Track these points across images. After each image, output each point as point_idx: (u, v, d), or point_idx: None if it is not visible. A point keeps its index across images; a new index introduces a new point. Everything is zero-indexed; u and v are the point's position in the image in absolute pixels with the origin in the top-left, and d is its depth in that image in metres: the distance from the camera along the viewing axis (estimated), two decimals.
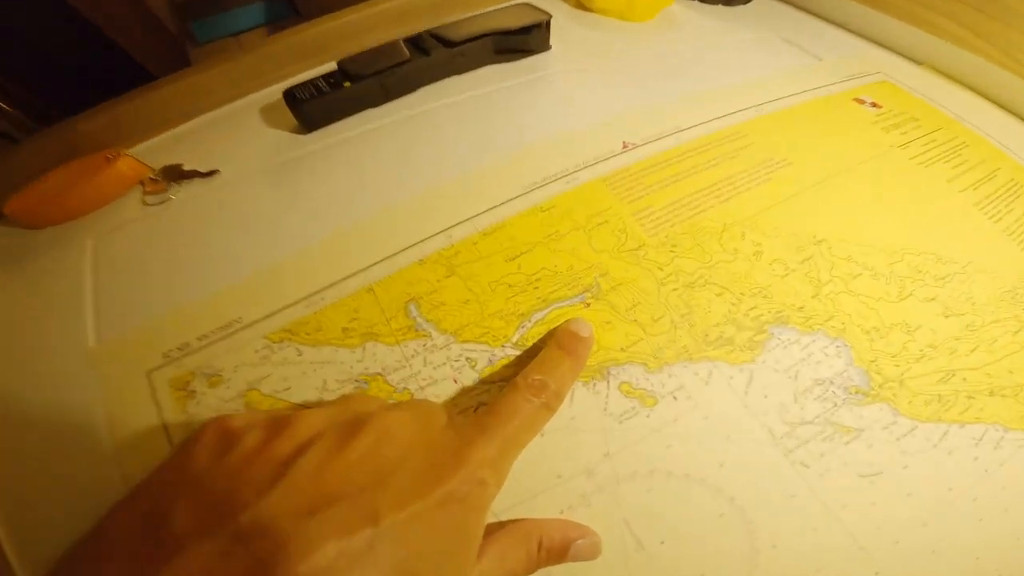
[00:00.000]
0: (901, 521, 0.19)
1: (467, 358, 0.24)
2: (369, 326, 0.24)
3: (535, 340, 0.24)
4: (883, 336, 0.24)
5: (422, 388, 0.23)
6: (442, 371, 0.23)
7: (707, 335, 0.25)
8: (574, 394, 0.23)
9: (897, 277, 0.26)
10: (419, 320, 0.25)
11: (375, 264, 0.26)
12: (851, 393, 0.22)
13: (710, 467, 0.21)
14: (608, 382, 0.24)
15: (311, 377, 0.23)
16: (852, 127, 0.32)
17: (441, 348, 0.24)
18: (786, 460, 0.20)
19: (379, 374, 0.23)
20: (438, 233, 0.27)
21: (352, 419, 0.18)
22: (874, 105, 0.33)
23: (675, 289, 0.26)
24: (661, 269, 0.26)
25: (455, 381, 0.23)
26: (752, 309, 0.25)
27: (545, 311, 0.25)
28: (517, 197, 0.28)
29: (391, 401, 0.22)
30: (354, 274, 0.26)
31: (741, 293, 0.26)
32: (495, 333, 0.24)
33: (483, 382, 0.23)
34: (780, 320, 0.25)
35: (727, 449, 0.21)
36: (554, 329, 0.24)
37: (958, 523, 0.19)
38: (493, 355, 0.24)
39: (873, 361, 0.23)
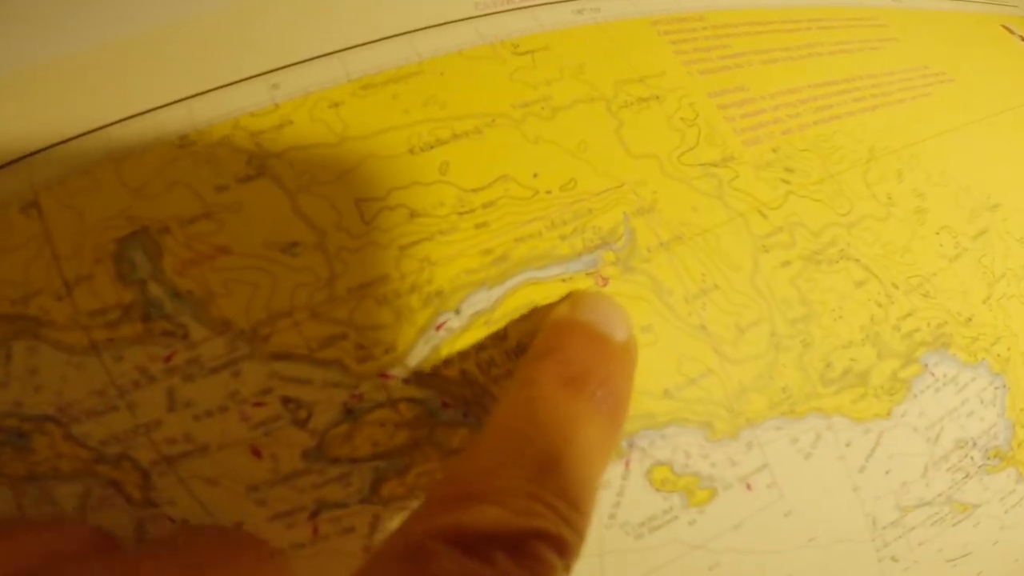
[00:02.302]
0: None
1: (284, 397, 0.10)
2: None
3: (462, 368, 0.10)
4: None
5: (162, 470, 0.10)
6: (217, 424, 0.10)
7: (828, 365, 0.12)
8: None
9: None
10: (151, 285, 0.10)
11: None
12: (988, 458, 0.15)
13: None
14: (628, 464, 0.11)
15: None
16: (1004, 58, 0.21)
17: (218, 366, 0.10)
18: (874, 557, 0.14)
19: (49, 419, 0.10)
20: (245, 79, 0.11)
21: None
22: (1022, 39, 0.22)
23: (786, 263, 0.12)
24: (764, 216, 0.12)
25: (257, 452, 0.10)
26: (907, 317, 0.13)
27: (499, 289, 0.10)
28: (461, 20, 0.12)
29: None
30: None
31: (894, 284, 0.13)
32: (363, 339, 0.10)
33: (325, 459, 0.10)
34: (941, 340, 0.14)
35: (803, 557, 0.13)
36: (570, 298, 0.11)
37: None
38: (355, 394, 0.10)
39: (1022, 409, 0.15)
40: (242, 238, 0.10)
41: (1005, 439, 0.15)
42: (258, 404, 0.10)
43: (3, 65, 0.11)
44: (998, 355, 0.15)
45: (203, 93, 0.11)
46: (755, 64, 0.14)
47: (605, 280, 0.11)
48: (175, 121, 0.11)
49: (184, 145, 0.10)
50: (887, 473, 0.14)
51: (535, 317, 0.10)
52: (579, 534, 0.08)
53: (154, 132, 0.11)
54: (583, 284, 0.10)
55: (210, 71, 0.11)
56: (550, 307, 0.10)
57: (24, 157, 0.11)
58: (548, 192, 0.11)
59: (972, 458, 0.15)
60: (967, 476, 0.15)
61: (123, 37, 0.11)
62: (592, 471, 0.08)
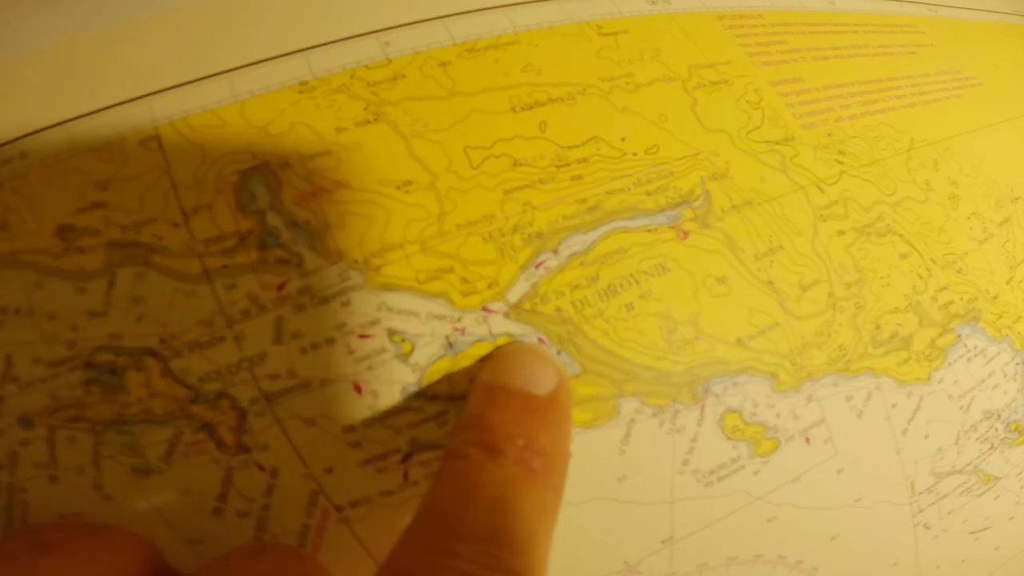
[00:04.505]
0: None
1: (390, 330, 0.10)
2: (143, 217, 0.10)
3: (558, 305, 0.10)
4: None
5: (260, 409, 0.09)
6: (323, 358, 0.10)
7: (878, 328, 0.13)
8: (630, 432, 0.11)
9: None
10: (269, 216, 0.10)
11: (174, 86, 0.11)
12: (1010, 431, 0.16)
13: (818, 543, 0.13)
14: (703, 408, 0.11)
15: None
16: None
17: (329, 295, 0.10)
18: (910, 523, 0.15)
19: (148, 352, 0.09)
20: (359, 35, 0.12)
21: None
22: None
23: (842, 232, 0.13)
24: (822, 190, 0.13)
25: (358, 389, 0.10)
26: (943, 290, 0.14)
27: (593, 233, 0.11)
28: (550, 0, 0.14)
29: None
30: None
31: (932, 260, 0.14)
32: (468, 273, 0.10)
33: (424, 395, 0.10)
34: (971, 314, 0.15)
35: (850, 516, 0.13)
36: (490, 358, 0.11)
37: None
38: (457, 327, 0.10)
39: None
40: (359, 174, 0.11)
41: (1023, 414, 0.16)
42: (364, 336, 0.10)
43: (125, 8, 0.12)
44: (1019, 333, 0.16)
45: (319, 46, 0.12)
46: (809, 60, 0.15)
47: (686, 233, 0.12)
48: (294, 70, 0.11)
49: (304, 91, 0.11)
50: (926, 437, 0.14)
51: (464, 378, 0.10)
52: None
53: (275, 79, 0.11)
54: (667, 235, 0.11)
55: (325, 26, 0.12)
56: (477, 367, 0.10)
57: (145, 96, 0.11)
58: (634, 154, 0.12)
59: (996, 430, 0.16)
60: (992, 447, 0.16)
61: None
62: (533, 534, 0.08)
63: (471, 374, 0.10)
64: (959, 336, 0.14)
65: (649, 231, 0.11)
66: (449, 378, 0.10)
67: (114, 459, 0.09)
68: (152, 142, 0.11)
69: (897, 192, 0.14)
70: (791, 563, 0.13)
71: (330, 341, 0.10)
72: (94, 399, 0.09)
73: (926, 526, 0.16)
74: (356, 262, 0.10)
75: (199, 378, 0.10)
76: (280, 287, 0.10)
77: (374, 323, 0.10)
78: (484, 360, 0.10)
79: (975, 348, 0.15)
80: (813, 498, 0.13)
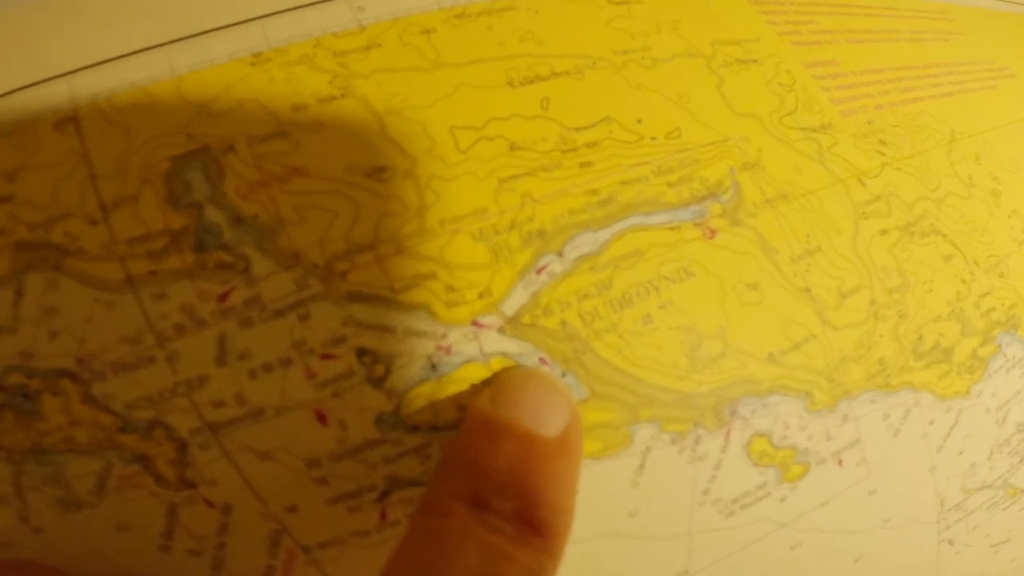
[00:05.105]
0: None
1: (359, 349, 0.08)
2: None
3: (563, 318, 0.09)
4: None
5: (204, 441, 0.08)
6: (277, 382, 0.08)
7: (920, 338, 0.12)
8: (645, 462, 0.09)
9: None
10: (209, 210, 0.08)
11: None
12: None
13: (840, 565, 0.12)
14: (728, 434, 0.10)
15: None
16: None
17: (283, 307, 0.08)
18: (935, 540, 0.13)
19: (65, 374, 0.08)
20: (326, 0, 0.10)
21: None
22: None
23: (884, 232, 0.11)
24: (863, 184, 0.12)
25: (322, 418, 0.08)
26: (985, 296, 0.13)
27: (605, 232, 0.09)
28: None
29: None
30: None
31: (975, 262, 0.13)
32: (454, 280, 0.09)
33: (402, 426, 0.08)
34: (1012, 322, 0.14)
35: (877, 538, 0.12)
36: (492, 384, 0.09)
37: None
38: (442, 345, 0.09)
39: None
40: (321, 160, 0.09)
41: None
42: (328, 357, 0.08)
43: None
44: None
45: (278, 13, 0.10)
46: (842, 42, 0.14)
47: (713, 232, 0.10)
48: (247, 39, 0.10)
49: (257, 63, 0.09)
50: (960, 453, 0.13)
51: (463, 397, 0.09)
52: None
53: (223, 51, 0.09)
54: (691, 234, 0.10)
55: None
56: (474, 389, 0.09)
57: (66, 74, 0.09)
58: (653, 139, 0.10)
59: None
60: (1022, 460, 0.15)
61: None
62: None
63: (460, 400, 0.09)
64: (999, 346, 0.13)
65: (671, 229, 0.09)
66: (432, 406, 0.09)
67: (38, 491, 0.08)
68: (69, 125, 0.09)
69: (941, 187, 0.13)
70: None
71: (286, 362, 0.08)
72: (8, 425, 0.08)
73: (950, 542, 0.15)
74: (316, 266, 0.08)
75: (126, 404, 0.08)
76: (222, 297, 0.08)
77: (339, 341, 0.08)
78: (483, 385, 0.09)
79: (1014, 358, 0.13)
80: (841, 522, 0.11)
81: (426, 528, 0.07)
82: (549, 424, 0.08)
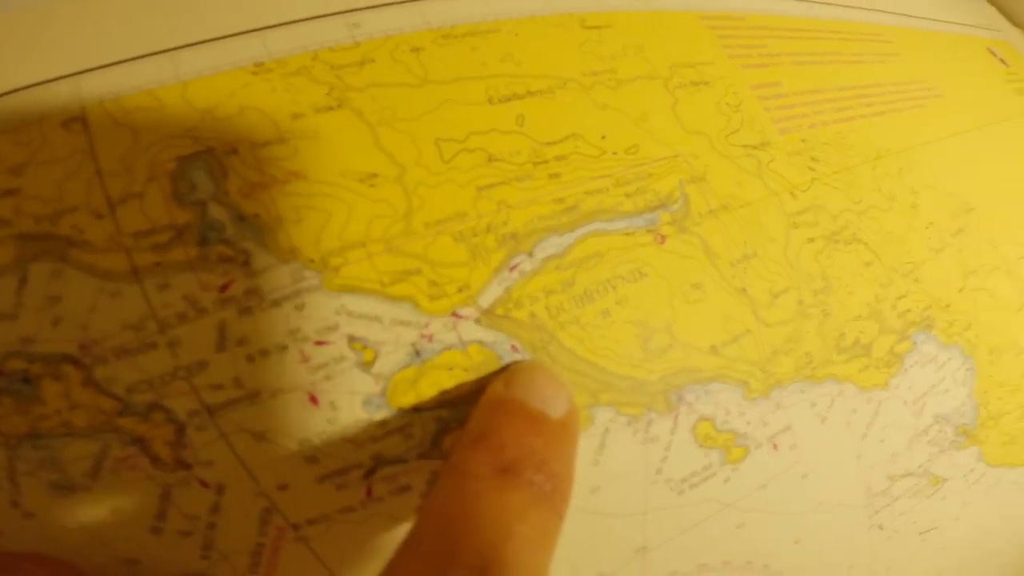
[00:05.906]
0: None
1: (350, 336, 0.09)
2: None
3: (532, 311, 0.10)
4: (999, 358, 0.17)
5: (201, 423, 0.09)
6: (274, 367, 0.09)
7: (842, 335, 0.13)
8: (604, 442, 0.11)
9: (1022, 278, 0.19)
10: (212, 207, 0.09)
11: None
12: (958, 434, 0.17)
13: (782, 547, 0.13)
14: (676, 418, 0.11)
15: None
16: (986, 78, 0.25)
17: (280, 297, 0.09)
18: (866, 524, 0.15)
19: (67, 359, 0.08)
20: (324, 15, 0.11)
21: None
22: (1003, 62, 0.25)
23: (811, 240, 0.13)
24: (794, 197, 0.13)
25: (314, 400, 0.09)
26: (902, 298, 0.15)
27: (569, 236, 0.11)
28: None
29: None
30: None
31: (893, 268, 0.15)
32: (436, 275, 0.10)
33: (388, 407, 0.09)
34: (926, 322, 0.16)
35: (813, 521, 0.14)
36: (504, 373, 0.10)
37: None
38: (425, 333, 0.10)
39: (986, 392, 0.17)
40: (318, 165, 0.10)
41: (971, 418, 0.17)
42: (321, 343, 0.09)
43: None
44: (968, 340, 0.17)
45: (278, 25, 0.11)
46: (788, 64, 0.15)
47: (663, 238, 0.11)
48: (248, 50, 0.10)
49: (259, 72, 0.10)
50: (882, 442, 0.15)
51: (470, 387, 0.10)
52: None
53: (225, 59, 0.10)
54: (644, 239, 0.11)
55: (286, 4, 0.11)
56: (487, 378, 0.10)
57: (73, 75, 0.10)
58: (615, 153, 0.11)
59: (945, 433, 0.16)
60: (940, 450, 0.17)
61: None
62: (536, 562, 0.08)
63: (440, 385, 0.10)
64: (915, 343, 0.15)
65: (627, 234, 0.11)
66: (416, 389, 0.10)
67: (32, 475, 0.08)
68: (76, 123, 0.09)
69: (863, 200, 0.15)
70: (758, 567, 0.13)
71: (282, 348, 0.09)
72: (6, 410, 0.08)
73: (880, 527, 0.16)
74: (312, 261, 0.09)
75: (127, 388, 0.08)
76: (223, 288, 0.09)
77: (332, 329, 0.09)
78: (496, 374, 0.10)
79: (928, 355, 0.15)
80: (779, 503, 0.13)
81: (457, 489, 0.08)
82: (554, 407, 0.09)
